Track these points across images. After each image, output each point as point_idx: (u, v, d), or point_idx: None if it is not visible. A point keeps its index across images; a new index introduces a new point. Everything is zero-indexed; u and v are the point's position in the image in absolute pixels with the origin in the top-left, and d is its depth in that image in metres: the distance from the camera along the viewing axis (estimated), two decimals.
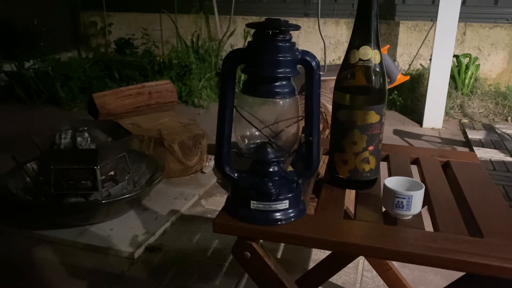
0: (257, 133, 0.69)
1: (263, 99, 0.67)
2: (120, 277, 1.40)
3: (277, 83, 0.64)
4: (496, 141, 2.72)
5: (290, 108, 0.68)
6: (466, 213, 0.77)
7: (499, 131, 2.92)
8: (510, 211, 0.77)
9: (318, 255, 1.48)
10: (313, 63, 0.64)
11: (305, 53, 0.64)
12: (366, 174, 0.82)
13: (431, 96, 3.03)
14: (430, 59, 3.13)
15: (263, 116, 0.68)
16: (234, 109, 0.67)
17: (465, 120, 3.22)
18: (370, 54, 0.76)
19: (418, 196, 0.72)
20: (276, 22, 0.61)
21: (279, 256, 1.51)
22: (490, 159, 2.42)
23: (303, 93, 0.66)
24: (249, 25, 0.62)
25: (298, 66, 0.65)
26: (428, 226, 0.73)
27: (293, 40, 0.64)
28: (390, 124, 3.05)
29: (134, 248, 1.51)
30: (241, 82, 0.61)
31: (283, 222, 0.67)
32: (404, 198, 0.71)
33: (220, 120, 0.67)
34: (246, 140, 0.71)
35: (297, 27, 0.63)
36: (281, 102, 0.68)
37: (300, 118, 0.68)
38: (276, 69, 0.62)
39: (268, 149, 0.68)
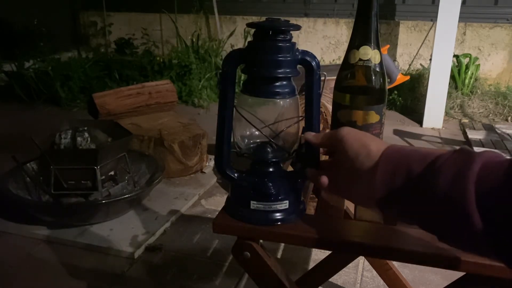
0: (257, 133, 0.68)
1: (263, 99, 0.67)
2: (120, 277, 1.40)
3: (277, 83, 0.64)
4: (496, 141, 2.72)
5: (290, 108, 0.68)
6: None
7: (499, 131, 2.92)
8: None
9: (318, 255, 1.48)
10: (313, 63, 0.64)
11: (305, 53, 0.64)
12: None
13: (431, 96, 3.03)
14: (430, 59, 3.13)
15: (263, 116, 0.68)
16: (234, 109, 0.66)
17: (465, 120, 3.22)
18: (370, 54, 0.75)
19: None
20: (277, 22, 0.61)
21: (279, 256, 1.51)
22: None
23: (303, 93, 0.66)
24: (249, 25, 0.62)
25: (298, 66, 0.65)
26: None
27: (293, 40, 0.64)
28: (390, 124, 3.05)
29: (134, 248, 1.51)
30: (241, 82, 0.61)
31: (283, 222, 0.67)
32: None
33: (220, 120, 0.66)
34: (246, 140, 0.71)
35: (297, 27, 0.63)
36: (281, 102, 0.68)
37: (300, 118, 0.68)
38: (276, 69, 0.62)
39: (268, 149, 0.68)
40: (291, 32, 0.63)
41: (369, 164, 0.52)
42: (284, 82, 0.64)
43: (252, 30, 0.62)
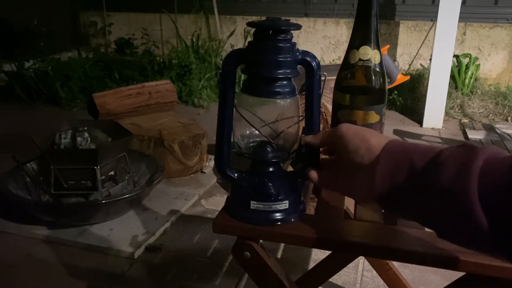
0: (257, 133, 0.68)
1: (263, 99, 0.67)
2: (120, 277, 1.40)
3: (277, 83, 0.64)
4: (496, 141, 2.72)
5: (290, 108, 0.68)
6: None
7: (499, 131, 2.92)
8: None
9: (318, 255, 1.48)
10: (314, 64, 0.64)
11: (306, 53, 0.64)
12: None
13: (431, 96, 3.03)
14: (430, 59, 3.13)
15: (263, 116, 0.68)
16: (234, 109, 0.66)
17: (465, 120, 3.22)
18: (370, 54, 0.75)
19: None
20: (277, 21, 0.61)
21: (279, 256, 1.51)
22: None
23: (303, 93, 0.66)
24: (249, 24, 0.62)
25: (298, 66, 0.65)
26: None
27: (293, 40, 0.64)
28: (390, 124, 3.05)
29: (134, 248, 1.51)
30: (241, 82, 0.61)
31: (283, 222, 0.67)
32: None
33: (220, 120, 0.66)
34: (246, 140, 0.71)
35: (297, 26, 0.63)
36: (281, 102, 0.68)
37: (300, 118, 0.68)
38: (276, 69, 0.62)
39: (268, 149, 0.68)
40: (291, 32, 0.63)
41: (369, 158, 0.51)
42: (284, 82, 0.64)
43: (252, 30, 0.62)
